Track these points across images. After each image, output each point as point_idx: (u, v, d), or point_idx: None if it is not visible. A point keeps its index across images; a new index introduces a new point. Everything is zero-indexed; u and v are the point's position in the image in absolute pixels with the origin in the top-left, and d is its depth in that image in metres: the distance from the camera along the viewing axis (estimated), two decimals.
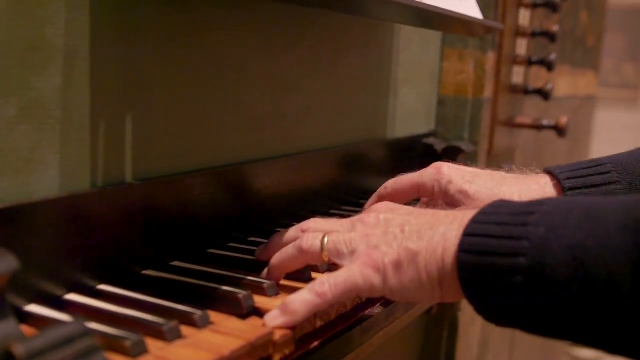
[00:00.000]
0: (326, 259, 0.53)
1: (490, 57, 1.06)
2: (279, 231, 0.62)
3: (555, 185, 0.67)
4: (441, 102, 1.10)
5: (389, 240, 0.50)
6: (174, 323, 0.46)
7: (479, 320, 1.21)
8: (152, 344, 0.45)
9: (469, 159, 1.07)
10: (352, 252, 0.51)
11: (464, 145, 1.03)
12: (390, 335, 0.69)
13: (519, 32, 1.14)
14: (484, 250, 0.44)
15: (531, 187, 0.67)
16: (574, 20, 1.54)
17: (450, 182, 0.67)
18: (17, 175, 0.47)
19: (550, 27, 1.16)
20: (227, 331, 0.47)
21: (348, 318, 0.58)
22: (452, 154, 1.02)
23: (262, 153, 0.72)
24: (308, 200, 0.80)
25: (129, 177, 0.56)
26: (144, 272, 0.58)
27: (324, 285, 0.50)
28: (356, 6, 0.68)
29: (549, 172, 0.68)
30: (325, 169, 0.83)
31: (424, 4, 0.66)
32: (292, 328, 0.50)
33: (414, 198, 0.71)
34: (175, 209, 0.60)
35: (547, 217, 0.43)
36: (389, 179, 0.98)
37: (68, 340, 0.36)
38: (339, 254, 0.52)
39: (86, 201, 0.52)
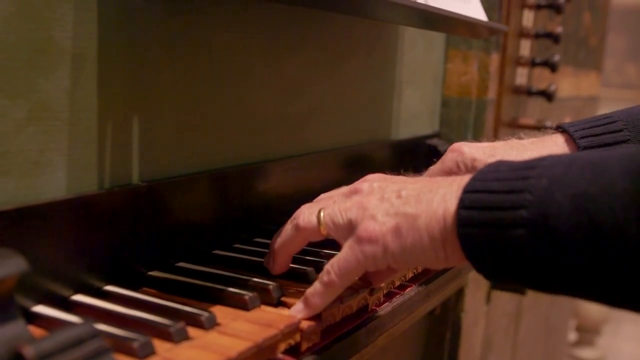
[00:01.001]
0: (325, 233, 0.53)
1: (494, 59, 1.06)
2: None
3: (571, 145, 0.67)
4: (445, 103, 1.10)
5: (385, 208, 0.49)
6: (180, 324, 0.46)
7: (482, 322, 1.22)
8: (159, 345, 0.45)
9: None
10: (349, 223, 0.51)
11: None
12: (394, 336, 0.69)
13: (522, 33, 1.14)
14: (484, 205, 0.43)
15: (551, 148, 0.67)
16: (577, 21, 1.54)
17: (474, 159, 0.67)
18: (24, 177, 0.47)
19: (554, 28, 1.16)
20: (233, 332, 0.48)
21: (353, 319, 0.58)
22: None
23: (267, 154, 0.72)
24: (311, 199, 0.80)
25: (135, 179, 0.56)
26: (150, 272, 0.58)
27: (330, 274, 0.50)
28: (362, 8, 0.68)
29: (562, 130, 0.69)
30: (329, 170, 0.83)
31: (428, 5, 0.66)
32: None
33: None
34: (180, 210, 0.60)
35: (550, 169, 0.42)
36: None
37: (77, 342, 0.36)
38: (337, 226, 0.52)
39: (93, 202, 0.52)
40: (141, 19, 0.55)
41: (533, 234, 0.41)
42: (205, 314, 0.48)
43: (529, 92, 1.17)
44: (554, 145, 0.68)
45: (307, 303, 0.51)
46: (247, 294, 0.52)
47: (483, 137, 1.08)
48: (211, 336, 0.47)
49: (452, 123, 1.10)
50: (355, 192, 0.53)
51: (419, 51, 1.01)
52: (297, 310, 0.51)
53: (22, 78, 0.46)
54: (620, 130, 0.66)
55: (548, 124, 1.16)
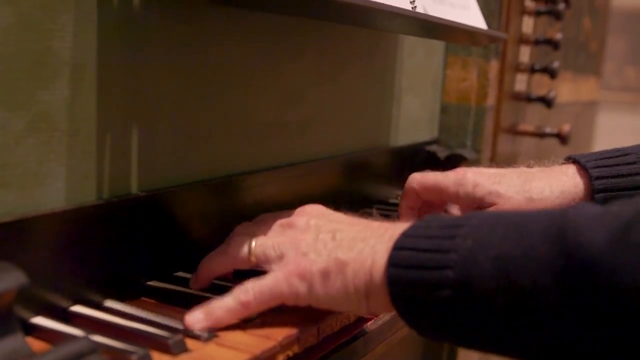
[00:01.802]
0: (254, 262, 0.53)
1: (494, 65, 1.06)
2: None
3: (582, 175, 0.66)
4: (444, 110, 1.10)
5: (318, 248, 0.50)
6: (179, 336, 0.46)
7: None
8: (157, 357, 0.45)
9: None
10: (281, 257, 0.51)
11: (467, 153, 1.03)
12: (392, 344, 0.69)
13: (522, 40, 1.14)
14: (413, 264, 0.44)
15: (560, 178, 0.66)
16: (576, 26, 1.54)
17: (476, 185, 0.66)
18: (24, 188, 0.47)
19: (554, 34, 1.16)
20: (231, 344, 0.48)
21: (351, 330, 0.58)
22: (454, 162, 1.03)
23: (267, 162, 0.72)
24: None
25: (134, 188, 0.56)
26: (149, 282, 0.58)
27: (249, 293, 0.49)
28: (362, 18, 0.68)
29: (574, 160, 0.68)
30: (329, 178, 0.83)
31: (429, 15, 0.66)
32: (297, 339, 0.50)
33: (435, 198, 0.71)
34: (179, 219, 0.60)
35: (476, 229, 0.43)
36: (392, 187, 0.98)
37: (77, 357, 0.36)
38: (267, 259, 0.52)
39: (92, 213, 0.52)
40: (140, 29, 0.55)
41: (458, 295, 0.41)
42: (175, 338, 0.48)
43: (528, 99, 1.17)
44: (564, 175, 0.66)
45: (209, 315, 0.49)
46: None
47: (482, 143, 1.08)
48: (210, 348, 0.47)
49: (451, 129, 1.10)
50: (291, 226, 0.53)
51: (418, 58, 1.01)
52: (195, 320, 0.49)
53: (22, 89, 0.46)
54: (635, 163, 0.64)
55: (547, 130, 1.17)
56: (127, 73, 0.54)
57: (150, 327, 0.48)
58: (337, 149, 0.85)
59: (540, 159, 1.40)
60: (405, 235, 0.46)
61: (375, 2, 0.55)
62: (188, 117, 0.61)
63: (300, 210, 0.56)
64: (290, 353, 0.49)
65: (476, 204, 0.66)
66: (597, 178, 0.64)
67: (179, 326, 0.49)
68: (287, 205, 0.74)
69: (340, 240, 0.49)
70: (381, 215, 0.88)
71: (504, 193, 0.65)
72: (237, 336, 0.49)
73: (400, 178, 0.99)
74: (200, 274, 0.56)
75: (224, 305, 0.49)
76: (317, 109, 0.79)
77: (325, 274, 0.48)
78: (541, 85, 1.25)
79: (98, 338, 0.45)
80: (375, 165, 0.93)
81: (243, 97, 0.67)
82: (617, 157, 0.66)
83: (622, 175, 0.64)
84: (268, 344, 0.48)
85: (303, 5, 0.59)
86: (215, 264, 0.55)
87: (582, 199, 0.65)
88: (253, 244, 0.53)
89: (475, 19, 0.82)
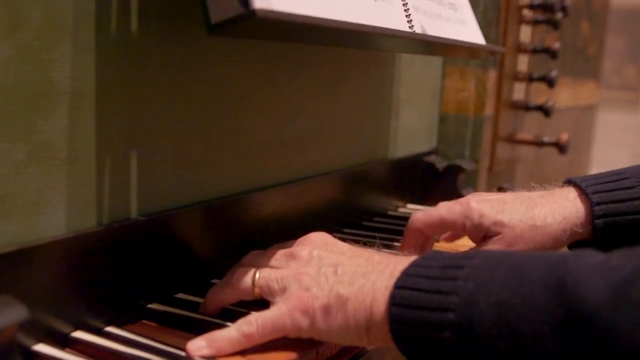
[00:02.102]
0: (257, 295, 0.54)
1: (492, 76, 1.06)
2: None
3: (583, 200, 0.67)
4: (442, 120, 1.10)
5: (320, 282, 0.50)
6: None
7: None
8: None
9: (470, 177, 1.08)
10: (283, 290, 0.52)
11: (465, 164, 1.03)
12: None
13: (520, 49, 1.14)
14: (414, 304, 0.45)
15: (562, 204, 0.67)
16: (574, 30, 1.55)
17: (482, 215, 0.67)
18: (25, 217, 0.48)
19: (552, 43, 1.16)
20: None
21: (350, 351, 0.58)
22: (453, 173, 1.03)
23: (265, 181, 0.72)
24: (310, 224, 0.81)
25: (134, 212, 0.57)
26: (149, 305, 0.58)
27: (252, 326, 0.50)
28: (359, 42, 0.68)
29: (574, 184, 0.69)
30: (327, 193, 0.83)
31: (427, 35, 0.66)
32: None
33: (443, 233, 0.72)
34: (179, 241, 0.61)
35: (476, 272, 0.44)
36: (391, 199, 0.99)
37: None
38: (270, 291, 0.52)
39: (92, 239, 0.52)
40: (139, 54, 0.55)
41: (459, 338, 0.42)
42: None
43: (526, 108, 1.18)
44: (565, 200, 0.67)
45: (212, 344, 0.49)
46: None
47: (480, 153, 1.08)
48: None
49: (449, 139, 1.10)
50: (294, 257, 0.54)
51: (416, 69, 1.01)
52: (197, 347, 0.49)
53: (22, 120, 0.47)
54: (634, 187, 0.65)
55: (545, 139, 1.17)
56: (126, 98, 0.55)
57: (150, 354, 0.48)
58: (335, 164, 0.85)
59: (539, 163, 1.40)
60: (406, 274, 0.47)
61: (371, 26, 0.55)
62: (187, 139, 0.61)
63: (304, 239, 0.57)
64: None
65: (483, 234, 0.67)
66: (598, 204, 0.65)
67: (179, 352, 0.49)
68: (286, 223, 0.75)
69: (341, 275, 0.50)
70: (380, 229, 0.88)
71: (507, 222, 0.66)
72: None
73: (398, 190, 1.00)
74: (208, 304, 0.57)
75: (226, 336, 0.50)
76: (315, 126, 0.80)
77: (326, 310, 0.49)
78: (540, 92, 1.25)
79: None
80: (374, 178, 0.94)
81: (241, 117, 0.68)
82: (615, 181, 0.67)
83: (622, 201, 0.65)
84: None
85: (300, 33, 0.59)
86: (220, 295, 0.56)
87: (583, 224, 0.66)
88: (257, 275, 0.53)
89: (472, 33, 0.82)
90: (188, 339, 0.51)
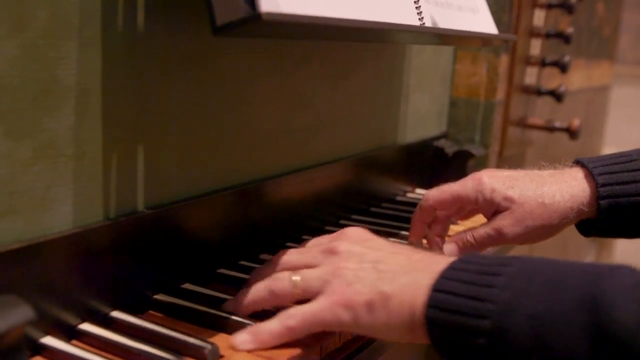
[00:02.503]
0: (299, 296, 0.53)
1: (504, 60, 1.05)
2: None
3: (589, 181, 0.68)
4: (453, 104, 1.10)
5: (362, 278, 0.51)
6: None
7: None
8: None
9: (479, 162, 1.08)
10: (325, 285, 0.52)
11: (474, 150, 1.03)
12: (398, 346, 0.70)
13: (533, 33, 1.13)
14: (451, 308, 0.46)
15: (570, 183, 0.69)
16: (589, 12, 1.52)
17: (493, 190, 0.68)
18: (31, 214, 0.48)
19: (566, 26, 1.14)
20: None
21: (354, 343, 0.59)
22: (462, 159, 1.03)
23: (272, 171, 0.73)
24: (319, 211, 0.81)
25: (140, 206, 0.57)
26: (156, 296, 0.59)
27: (294, 319, 0.51)
28: (370, 37, 0.68)
29: (582, 165, 0.70)
30: (334, 180, 0.83)
31: (440, 28, 0.66)
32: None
33: (456, 209, 0.73)
34: (186, 232, 0.61)
35: (513, 281, 0.45)
36: (400, 184, 0.99)
37: None
38: (311, 287, 0.53)
39: (98, 233, 0.53)
40: (145, 48, 0.55)
41: (493, 345, 0.43)
42: (209, 346, 0.50)
43: (538, 92, 1.17)
44: (573, 179, 0.69)
45: (256, 337, 0.51)
46: (250, 324, 0.53)
47: (490, 138, 1.08)
48: None
49: (459, 123, 1.10)
50: (334, 252, 0.54)
51: (427, 55, 1.00)
52: (242, 341, 0.51)
53: (28, 119, 0.47)
54: (639, 170, 0.67)
55: (557, 124, 1.16)
56: (132, 93, 0.55)
57: (156, 348, 0.49)
58: (344, 151, 0.85)
59: (551, 145, 1.39)
60: (444, 276, 0.48)
61: (378, 23, 0.55)
62: (194, 131, 0.61)
63: (340, 233, 0.57)
64: None
65: (494, 209, 0.69)
66: (603, 185, 0.67)
67: (184, 346, 0.50)
68: (292, 210, 0.75)
69: (383, 272, 0.51)
70: (388, 216, 0.88)
71: (517, 198, 0.67)
72: (241, 357, 0.51)
73: (407, 175, 1.00)
74: (243, 306, 0.55)
75: (269, 329, 0.51)
76: (324, 114, 0.79)
77: (370, 306, 0.49)
78: (552, 76, 1.24)
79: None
80: (382, 164, 0.94)
81: (248, 108, 0.68)
82: (622, 163, 0.68)
83: (626, 182, 0.66)
84: None
85: (308, 33, 0.59)
86: (258, 300, 0.55)
87: (589, 203, 0.68)
88: (298, 279, 0.53)
89: (484, 21, 0.81)
90: (193, 334, 0.52)
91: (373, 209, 0.92)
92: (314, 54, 0.76)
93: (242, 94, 0.66)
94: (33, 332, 0.49)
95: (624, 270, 0.43)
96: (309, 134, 0.78)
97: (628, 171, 0.67)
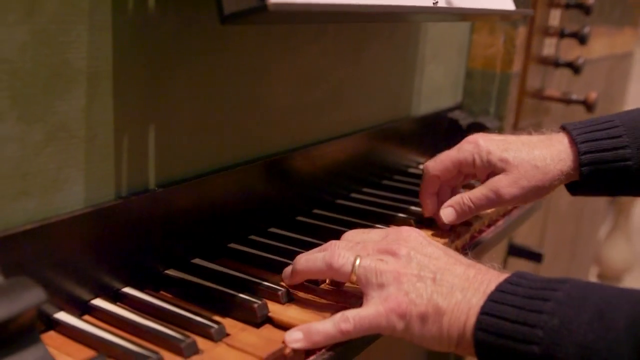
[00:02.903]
0: (353, 281, 0.54)
1: (521, 32, 1.04)
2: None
3: (572, 147, 0.71)
4: (469, 75, 1.09)
5: (419, 289, 0.52)
6: (190, 340, 0.49)
7: None
8: (169, 358, 0.48)
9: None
10: (381, 287, 0.53)
11: (489, 122, 1.03)
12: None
13: (552, 4, 1.11)
14: (500, 332, 0.47)
15: (558, 147, 0.71)
16: None
17: (489, 152, 0.71)
18: (44, 195, 0.50)
19: None
20: (240, 346, 0.50)
21: None
22: (476, 131, 1.02)
23: (286, 145, 0.73)
24: (330, 184, 0.82)
25: (152, 184, 0.58)
26: (166, 271, 0.61)
27: (349, 322, 0.52)
28: (383, 18, 0.67)
29: (566, 130, 0.72)
30: (347, 154, 0.84)
31: (460, 8, 0.65)
32: None
33: (456, 174, 0.75)
34: (196, 208, 0.62)
35: (561, 307, 0.45)
36: (413, 155, 0.99)
37: None
38: (367, 282, 0.53)
39: (110, 212, 0.54)
40: (156, 31, 0.55)
41: None
42: (215, 326, 0.51)
43: (556, 64, 1.15)
44: (560, 144, 0.71)
45: (309, 337, 0.52)
46: (256, 302, 0.55)
47: (505, 110, 1.07)
48: (219, 350, 0.50)
49: (475, 94, 1.09)
50: (393, 253, 0.54)
51: (443, 25, 0.99)
52: (293, 340, 0.52)
53: (39, 103, 0.48)
54: (620, 136, 0.69)
55: (574, 97, 1.15)
56: (144, 74, 0.55)
57: (164, 326, 0.51)
58: (357, 124, 0.85)
59: (568, 117, 1.38)
60: (493, 299, 0.49)
61: (388, 6, 0.54)
62: (205, 108, 0.62)
63: (397, 233, 0.57)
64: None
65: (489, 170, 0.71)
66: (585, 153, 0.70)
67: (191, 324, 0.52)
68: (302, 185, 0.76)
69: (439, 285, 0.51)
70: (399, 189, 0.89)
71: (512, 160, 0.70)
72: (246, 335, 0.52)
73: (421, 146, 1.00)
74: (297, 274, 0.58)
75: (323, 330, 0.52)
76: (338, 88, 0.80)
77: (423, 318, 0.51)
78: (571, 46, 1.22)
79: (114, 338, 0.49)
80: (396, 136, 0.94)
81: (262, 84, 0.68)
82: (605, 129, 0.70)
83: (606, 150, 0.69)
84: (274, 347, 0.51)
85: (318, 18, 0.58)
86: (315, 269, 0.56)
87: (575, 167, 0.71)
88: (357, 264, 0.54)
89: None
90: (201, 313, 0.53)
91: (385, 182, 0.92)
92: (328, 30, 0.76)
93: (255, 72, 0.67)
94: (47, 308, 0.51)
95: None
96: (322, 109, 0.78)
97: (610, 138, 0.69)
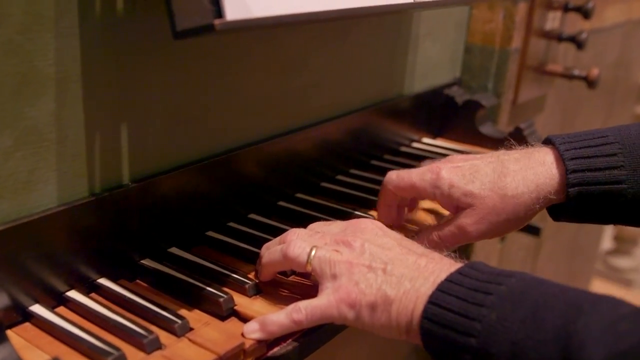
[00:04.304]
0: (309, 271, 0.56)
1: (521, 8, 1.02)
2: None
3: (559, 165, 0.64)
4: (468, 50, 1.08)
5: (369, 279, 0.53)
6: (153, 336, 0.52)
7: (494, 258, 1.25)
8: (133, 353, 0.51)
9: (491, 111, 1.07)
10: (334, 277, 0.55)
11: (484, 100, 1.02)
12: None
13: None
14: (443, 322, 0.48)
15: (537, 170, 0.65)
16: None
17: (452, 186, 0.66)
18: (16, 196, 0.52)
19: None
20: (201, 341, 0.53)
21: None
22: (471, 108, 1.02)
23: (267, 133, 0.74)
24: (315, 167, 0.83)
25: (126, 179, 0.60)
26: (142, 261, 0.63)
27: (301, 312, 0.54)
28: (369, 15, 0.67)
29: (553, 145, 0.66)
30: (333, 137, 0.85)
31: (430, 2, 0.65)
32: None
33: (412, 197, 0.72)
34: (173, 200, 0.65)
35: (501, 302, 0.47)
36: (406, 134, 1.00)
37: None
38: (322, 272, 0.55)
39: (83, 209, 0.57)
40: (125, 31, 0.56)
41: None
42: (179, 321, 0.54)
43: (559, 38, 1.13)
44: (540, 165, 0.65)
45: (264, 328, 0.54)
46: (222, 297, 0.57)
47: (504, 87, 1.06)
48: (181, 345, 0.53)
49: (473, 70, 1.08)
50: (347, 244, 0.56)
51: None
52: (251, 331, 0.54)
53: (8, 110, 0.50)
54: (615, 154, 0.62)
55: (575, 72, 1.13)
56: (113, 75, 0.57)
57: (131, 321, 0.54)
58: (345, 106, 0.86)
59: (574, 93, 1.36)
60: (441, 290, 0.50)
61: (352, 9, 0.55)
62: (178, 102, 0.63)
63: (355, 224, 0.59)
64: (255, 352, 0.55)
65: (454, 204, 0.67)
66: (573, 171, 0.63)
67: (157, 319, 0.55)
68: (281, 172, 0.78)
69: (390, 274, 0.53)
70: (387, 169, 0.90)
71: (478, 193, 0.65)
72: (209, 331, 0.55)
73: (414, 125, 1.01)
74: (263, 272, 0.61)
75: (277, 321, 0.54)
76: (322, 74, 0.80)
77: (372, 307, 0.52)
78: (578, 19, 1.19)
79: (82, 333, 0.52)
80: (387, 116, 0.94)
81: (239, 74, 0.69)
82: (596, 146, 0.64)
83: (599, 169, 0.62)
84: (234, 343, 0.53)
85: (288, 26, 0.59)
86: (275, 264, 0.59)
87: (557, 191, 0.64)
88: (312, 254, 0.56)
89: None
90: (168, 307, 0.56)
91: (373, 162, 0.93)
92: None
93: (231, 63, 0.68)
94: (23, 300, 0.54)
95: (606, 305, 0.44)
96: (305, 95, 0.79)
97: (602, 156, 0.63)
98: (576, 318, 0.43)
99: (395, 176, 0.70)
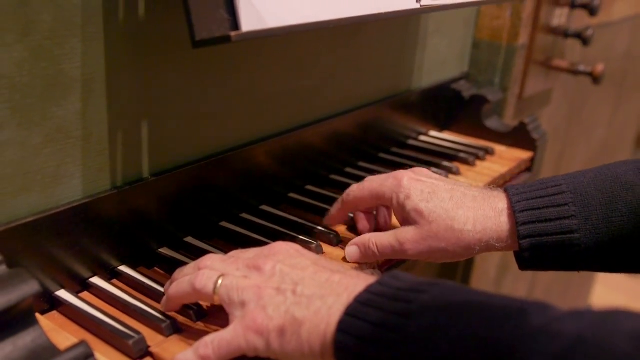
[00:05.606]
0: (217, 302, 0.53)
1: (528, 5, 1.04)
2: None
3: (509, 216, 0.63)
4: (476, 45, 1.11)
5: (277, 302, 0.50)
6: (171, 320, 0.56)
7: None
8: (151, 336, 0.55)
9: (497, 106, 1.10)
10: (242, 304, 0.51)
11: (491, 95, 1.05)
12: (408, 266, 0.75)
13: None
14: (359, 334, 0.45)
15: (487, 213, 0.64)
16: None
17: (407, 197, 0.65)
18: (44, 189, 0.56)
19: None
20: (216, 327, 0.57)
21: None
22: (477, 103, 1.05)
23: (277, 129, 0.78)
24: (325, 161, 0.87)
25: (146, 173, 0.64)
26: (160, 249, 0.67)
27: (208, 348, 0.50)
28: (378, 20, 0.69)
29: (508, 195, 0.65)
30: (343, 132, 0.88)
31: (439, 6, 0.67)
32: None
33: (376, 206, 0.72)
34: (190, 192, 0.68)
35: (422, 312, 0.44)
36: (413, 128, 1.03)
37: None
38: (230, 301, 0.52)
39: (106, 201, 0.61)
40: (146, 34, 0.60)
41: None
42: (195, 307, 0.58)
43: (565, 35, 1.15)
44: (492, 210, 0.64)
45: None
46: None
47: (510, 82, 1.09)
48: (197, 328, 0.57)
49: (481, 65, 1.11)
50: (258, 268, 0.53)
51: None
52: None
53: (37, 110, 0.54)
54: (566, 204, 0.61)
55: (581, 68, 1.16)
56: (136, 75, 0.60)
57: (149, 307, 0.58)
58: (354, 103, 0.89)
59: (581, 87, 1.38)
60: (358, 300, 0.47)
61: (364, 17, 0.58)
62: (196, 99, 0.67)
63: (270, 248, 0.56)
64: None
65: (404, 215, 0.66)
66: (523, 224, 0.62)
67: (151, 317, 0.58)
68: (299, 163, 0.81)
69: (300, 295, 0.50)
70: (394, 164, 0.93)
71: (427, 215, 0.64)
72: (225, 316, 0.59)
73: (422, 118, 1.04)
74: (169, 304, 0.57)
75: (184, 358, 0.51)
76: (332, 70, 0.83)
77: (281, 332, 0.49)
78: (586, 15, 1.21)
79: (102, 316, 0.56)
80: (395, 111, 0.97)
81: (252, 72, 0.72)
82: (550, 196, 0.63)
83: (550, 220, 0.61)
84: None
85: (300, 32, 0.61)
86: (181, 295, 0.55)
87: (501, 239, 0.63)
88: (219, 283, 0.53)
89: None
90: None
91: (381, 155, 0.97)
92: None
93: (245, 62, 0.71)
94: (50, 286, 0.58)
95: (535, 309, 0.41)
96: (315, 91, 0.82)
97: (553, 206, 0.62)
98: (503, 324, 0.40)
99: (357, 188, 0.70)
